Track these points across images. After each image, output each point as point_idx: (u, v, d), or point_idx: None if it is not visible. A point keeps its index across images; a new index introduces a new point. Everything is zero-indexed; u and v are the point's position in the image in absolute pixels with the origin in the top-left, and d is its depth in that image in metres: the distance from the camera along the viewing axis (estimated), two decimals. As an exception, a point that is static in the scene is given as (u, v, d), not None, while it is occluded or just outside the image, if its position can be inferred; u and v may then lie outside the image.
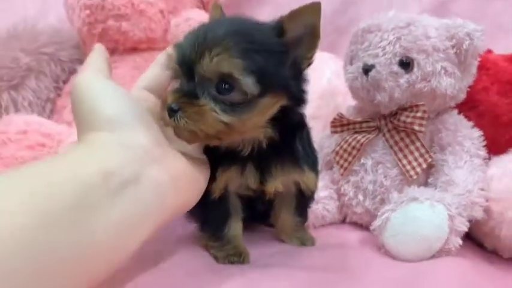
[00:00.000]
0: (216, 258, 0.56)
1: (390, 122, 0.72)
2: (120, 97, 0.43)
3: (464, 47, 0.66)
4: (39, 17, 1.19)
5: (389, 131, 0.72)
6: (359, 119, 0.74)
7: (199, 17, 0.88)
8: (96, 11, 0.93)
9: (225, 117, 0.46)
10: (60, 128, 0.84)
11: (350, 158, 0.73)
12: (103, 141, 0.40)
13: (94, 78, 0.44)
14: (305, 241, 0.64)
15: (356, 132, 0.74)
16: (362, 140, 0.72)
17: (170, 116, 0.46)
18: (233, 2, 1.13)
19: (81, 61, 1.10)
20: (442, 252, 0.59)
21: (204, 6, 1.06)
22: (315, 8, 0.47)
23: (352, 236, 0.71)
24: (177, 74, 0.50)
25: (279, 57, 0.48)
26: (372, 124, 0.73)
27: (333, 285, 0.50)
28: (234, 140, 0.51)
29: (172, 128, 0.48)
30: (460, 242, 0.59)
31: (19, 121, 0.82)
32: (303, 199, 0.61)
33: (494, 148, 0.71)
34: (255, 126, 0.49)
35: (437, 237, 0.58)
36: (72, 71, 1.09)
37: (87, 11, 0.93)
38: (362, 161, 0.73)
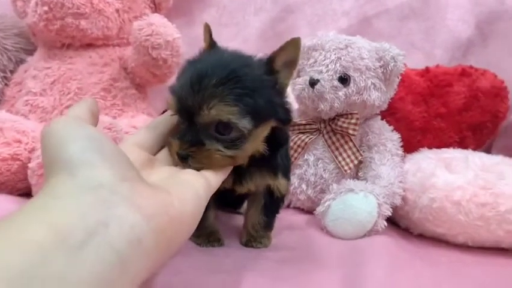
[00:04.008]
0: (198, 244, 0.67)
1: (329, 125, 0.87)
2: (87, 137, 0.38)
3: (390, 67, 0.83)
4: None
5: (327, 132, 0.87)
6: (303, 122, 0.89)
7: (160, 22, 0.95)
8: (55, 8, 0.94)
9: (229, 152, 0.51)
10: (33, 124, 0.88)
11: (296, 154, 0.88)
12: (61, 189, 0.35)
13: (65, 122, 0.40)
14: (259, 242, 0.69)
15: (300, 133, 0.88)
16: (306, 140, 0.87)
17: (181, 161, 0.50)
18: (181, 5, 1.20)
19: (26, 50, 1.10)
20: (372, 232, 0.76)
21: (156, 7, 1.12)
22: (297, 43, 0.53)
23: (298, 218, 0.86)
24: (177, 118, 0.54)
25: (268, 92, 0.53)
26: (313, 126, 0.88)
27: (294, 261, 0.64)
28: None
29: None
30: (385, 223, 0.76)
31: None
32: (272, 200, 0.67)
33: (408, 148, 0.90)
34: (253, 149, 0.56)
35: (369, 221, 0.75)
36: (19, 61, 1.10)
37: (45, 7, 0.95)
38: (305, 157, 0.88)
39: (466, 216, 0.74)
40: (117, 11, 1.04)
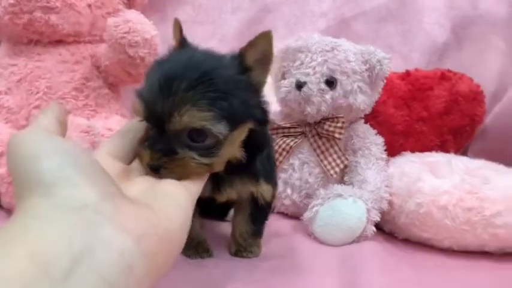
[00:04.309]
0: (187, 256, 0.63)
1: (314, 128, 0.85)
2: (61, 151, 0.35)
3: (376, 71, 0.82)
4: None
5: (313, 136, 0.85)
6: (287, 125, 0.87)
7: (137, 18, 0.90)
8: (22, 1, 0.88)
9: (204, 160, 0.48)
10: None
11: (281, 158, 0.85)
12: (38, 211, 0.31)
13: (32, 134, 0.37)
14: (250, 251, 0.67)
15: (284, 136, 0.86)
16: (291, 144, 0.85)
17: (153, 172, 0.46)
18: (155, 1, 1.16)
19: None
20: (360, 238, 0.75)
21: (129, 3, 1.07)
22: (268, 36, 0.49)
23: (284, 224, 0.84)
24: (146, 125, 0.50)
25: (243, 93, 0.49)
26: (298, 130, 0.86)
27: (286, 270, 0.62)
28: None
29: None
30: (374, 229, 0.76)
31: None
32: (257, 208, 0.63)
33: (391, 151, 0.90)
34: (230, 154, 0.52)
35: (358, 227, 0.74)
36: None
37: (12, 0, 0.89)
38: (291, 161, 0.86)
39: (452, 221, 0.74)
40: (89, 6, 0.99)
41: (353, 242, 0.75)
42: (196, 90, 0.45)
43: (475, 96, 0.97)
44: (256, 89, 0.52)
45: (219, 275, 0.59)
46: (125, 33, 0.88)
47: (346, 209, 0.74)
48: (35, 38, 0.95)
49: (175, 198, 0.42)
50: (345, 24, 1.17)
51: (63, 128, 0.42)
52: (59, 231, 0.30)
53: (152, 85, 0.47)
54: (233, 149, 0.52)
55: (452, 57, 1.14)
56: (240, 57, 0.50)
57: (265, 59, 0.51)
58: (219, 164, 0.50)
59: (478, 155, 1.01)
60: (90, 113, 0.94)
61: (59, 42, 0.98)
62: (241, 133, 0.51)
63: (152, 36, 0.91)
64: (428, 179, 0.78)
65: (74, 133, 0.71)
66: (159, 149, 0.46)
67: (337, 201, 0.75)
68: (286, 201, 0.86)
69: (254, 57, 0.50)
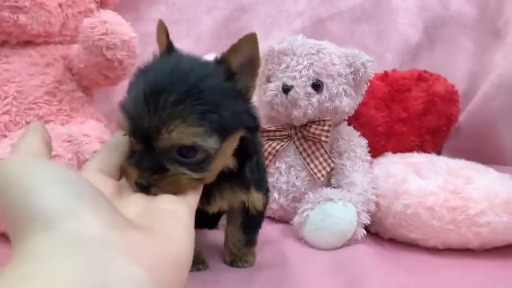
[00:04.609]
0: None
1: (300, 131, 0.85)
2: (57, 179, 0.32)
3: (360, 74, 0.82)
4: None
5: (299, 139, 0.85)
6: (273, 128, 0.86)
7: (114, 19, 0.86)
8: (-12, 0, 0.83)
9: (196, 175, 0.45)
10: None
11: (267, 162, 0.85)
12: (41, 251, 0.28)
13: (23, 162, 0.34)
14: (245, 261, 0.65)
15: (269, 139, 0.85)
16: (277, 147, 0.84)
17: (142, 191, 0.44)
18: (128, 0, 1.12)
19: None
20: (351, 241, 0.75)
21: (101, 2, 1.03)
22: (252, 39, 0.47)
23: (272, 229, 0.83)
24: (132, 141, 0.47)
25: (233, 102, 0.47)
26: (284, 133, 0.85)
27: (286, 280, 0.62)
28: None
29: None
30: (364, 232, 0.76)
31: None
32: (249, 218, 0.62)
33: (373, 152, 0.91)
34: (222, 166, 0.50)
35: (349, 230, 0.74)
36: None
37: (-23, -1, 0.83)
38: (277, 164, 0.85)
39: (439, 221, 0.76)
40: (60, 5, 0.94)
41: (344, 245, 0.75)
42: (186, 104, 0.43)
43: (451, 97, 0.99)
44: (244, 95, 0.50)
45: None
46: (102, 34, 0.84)
47: (337, 213, 0.74)
48: (2, 39, 0.89)
49: (178, 217, 0.39)
50: (321, 24, 1.17)
51: (49, 149, 0.39)
52: (68, 273, 0.27)
53: (137, 98, 0.44)
54: (225, 160, 0.50)
55: (424, 58, 1.17)
56: (224, 63, 0.48)
57: (252, 63, 0.49)
58: (210, 177, 0.48)
59: (452, 153, 1.05)
60: (65, 118, 0.90)
61: (27, 43, 0.93)
62: (233, 143, 0.49)
63: (131, 38, 0.87)
64: (414, 180, 0.79)
65: (56, 143, 0.67)
66: (148, 167, 0.44)
67: (327, 205, 0.75)
68: (274, 205, 0.86)
69: (239, 62, 0.48)
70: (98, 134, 0.85)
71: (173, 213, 0.40)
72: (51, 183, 0.32)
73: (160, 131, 0.42)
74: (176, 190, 0.44)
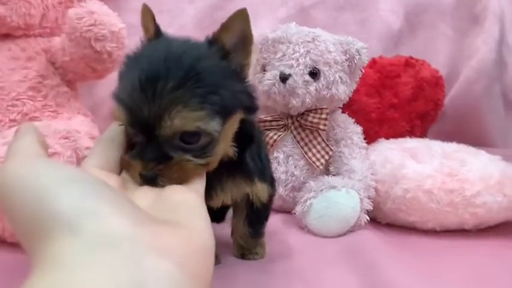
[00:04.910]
0: None
1: (297, 120, 0.84)
2: (71, 179, 0.31)
3: (355, 61, 0.83)
4: None
5: (296, 128, 0.85)
6: (269, 118, 0.85)
7: (101, 9, 0.83)
8: (-37, -9, 0.78)
9: (201, 161, 0.44)
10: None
11: (265, 153, 0.84)
12: (68, 257, 0.26)
13: (27, 164, 0.32)
14: (255, 253, 0.64)
15: (266, 129, 0.85)
16: (275, 137, 0.84)
17: (147, 184, 0.42)
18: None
19: None
20: (354, 227, 0.76)
21: (82, -9, 0.98)
22: (243, 15, 0.45)
23: (273, 219, 0.82)
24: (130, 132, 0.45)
25: (230, 82, 0.46)
26: (280, 123, 0.85)
27: (302, 270, 0.61)
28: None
29: None
30: (368, 218, 0.77)
31: None
32: (254, 211, 0.60)
33: (367, 139, 0.91)
34: (225, 150, 0.49)
35: (353, 216, 0.75)
36: None
37: (-49, -10, 0.78)
38: (275, 154, 0.85)
39: (437, 204, 0.77)
40: (40, -5, 0.89)
41: (347, 232, 0.76)
42: (185, 88, 0.41)
43: (437, 81, 1.01)
44: (239, 74, 0.48)
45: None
46: (90, 25, 0.80)
47: (341, 200, 0.75)
48: (-22, 32, 0.85)
49: (192, 206, 0.38)
50: (305, 12, 1.17)
51: (46, 150, 0.37)
52: (102, 277, 0.25)
53: (132, 86, 0.42)
54: (227, 144, 0.48)
55: (406, 44, 1.19)
56: (217, 43, 0.46)
57: (245, 40, 0.47)
58: (214, 162, 0.47)
59: (436, 137, 1.07)
60: (51, 115, 0.86)
61: (6, 36, 0.88)
62: (233, 125, 0.47)
63: (120, 28, 0.84)
64: (411, 164, 0.81)
65: (53, 140, 0.64)
66: (152, 157, 0.42)
67: (331, 193, 0.75)
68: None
69: (232, 41, 0.46)
70: (87, 129, 0.82)
71: (186, 203, 0.39)
72: (66, 183, 0.30)
73: (162, 118, 0.41)
74: (183, 178, 0.43)
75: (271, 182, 0.61)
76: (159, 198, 0.39)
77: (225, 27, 0.46)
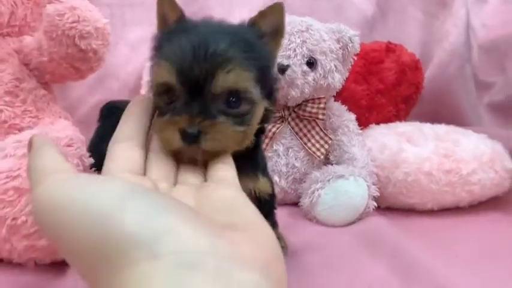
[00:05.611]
0: None
1: (294, 111, 0.84)
2: (127, 195, 0.28)
3: (348, 49, 0.83)
4: None
5: (293, 119, 0.84)
6: (265, 110, 0.83)
7: (83, 5, 0.77)
8: None
9: (240, 128, 0.44)
10: None
11: (264, 146, 0.83)
12: (156, 285, 0.24)
13: (69, 185, 0.29)
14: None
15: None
16: (273, 130, 0.83)
17: (189, 142, 0.41)
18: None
19: None
20: (363, 214, 0.77)
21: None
22: (280, 9, 0.47)
23: (278, 213, 0.81)
24: (173, 93, 0.43)
25: (266, 59, 0.47)
26: (277, 114, 0.84)
27: (331, 262, 0.61)
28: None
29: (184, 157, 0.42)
30: (375, 203, 0.78)
31: None
32: (262, 203, 0.57)
33: (359, 125, 0.93)
34: (255, 129, 0.47)
35: (362, 204, 0.76)
36: None
37: None
38: (274, 147, 0.84)
39: (436, 184, 0.80)
40: (7, -9, 0.82)
41: (356, 219, 0.76)
42: (234, 48, 0.42)
43: (416, 65, 1.04)
44: (271, 61, 0.49)
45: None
46: (73, 22, 0.74)
47: (350, 189, 0.75)
48: None
49: (243, 203, 0.35)
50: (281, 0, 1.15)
51: (70, 164, 0.33)
52: None
53: (183, 48, 0.42)
54: (255, 126, 0.47)
55: (380, 30, 1.21)
56: (255, 26, 0.46)
57: (278, 31, 0.48)
58: (250, 134, 0.46)
59: (417, 118, 1.10)
60: (32, 120, 0.79)
61: (-28, 37, 0.80)
62: (261, 108, 0.47)
63: (104, 24, 0.79)
64: (409, 148, 0.83)
65: (56, 148, 0.59)
66: (198, 113, 0.41)
67: (339, 182, 0.75)
68: (275, 189, 0.84)
69: (267, 29, 0.47)
70: (72, 134, 0.76)
71: (235, 200, 0.36)
72: (125, 200, 0.27)
73: (216, 73, 0.41)
74: (223, 142, 0.42)
75: (268, 175, 0.60)
76: (201, 198, 0.36)
77: (262, 14, 0.47)
